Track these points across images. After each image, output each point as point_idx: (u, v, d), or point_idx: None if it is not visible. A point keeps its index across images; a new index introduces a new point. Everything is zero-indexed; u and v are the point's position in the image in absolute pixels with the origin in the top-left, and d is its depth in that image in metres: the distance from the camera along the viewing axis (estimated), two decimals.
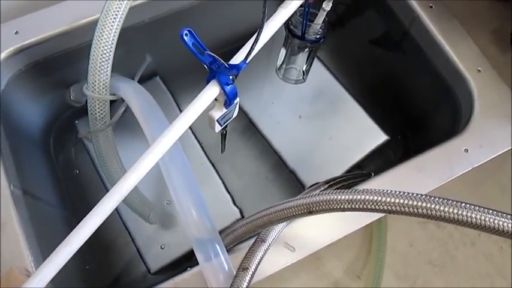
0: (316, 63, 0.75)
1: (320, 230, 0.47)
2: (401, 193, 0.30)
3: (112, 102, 0.49)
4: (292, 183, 0.70)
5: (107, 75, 0.45)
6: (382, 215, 0.50)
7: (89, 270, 0.64)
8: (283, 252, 0.46)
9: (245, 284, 0.39)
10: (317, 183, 0.53)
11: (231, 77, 0.39)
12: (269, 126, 0.72)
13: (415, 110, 0.71)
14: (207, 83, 0.39)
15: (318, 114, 0.73)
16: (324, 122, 0.73)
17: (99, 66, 0.44)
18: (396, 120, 0.74)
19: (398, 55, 0.70)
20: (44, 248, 0.48)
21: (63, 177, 0.69)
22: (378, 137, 0.70)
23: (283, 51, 0.63)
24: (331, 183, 0.52)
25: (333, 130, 0.72)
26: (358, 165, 0.69)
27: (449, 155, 0.52)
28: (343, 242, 0.46)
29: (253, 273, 0.40)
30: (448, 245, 0.79)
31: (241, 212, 0.66)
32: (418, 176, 0.51)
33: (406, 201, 0.29)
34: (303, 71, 0.66)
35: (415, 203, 0.29)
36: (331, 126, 0.72)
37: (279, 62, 0.65)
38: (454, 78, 0.59)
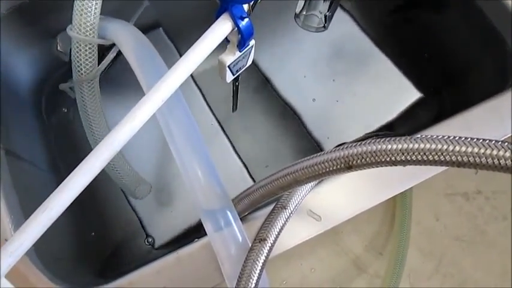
0: (339, 12, 0.69)
1: (347, 197, 0.41)
2: (476, 140, 0.23)
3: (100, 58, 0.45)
4: (311, 147, 0.64)
5: (95, 15, 0.41)
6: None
7: (91, 245, 0.60)
8: (305, 221, 0.40)
9: (262, 257, 0.33)
10: (344, 143, 0.46)
11: (246, 9, 0.33)
12: (286, 83, 0.67)
13: (454, 64, 0.64)
14: (217, 18, 0.33)
15: (342, 69, 0.68)
16: (348, 77, 0.67)
17: (87, 4, 0.40)
18: (431, 76, 0.68)
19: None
20: (28, 217, 0.43)
21: (56, 140, 0.64)
22: (410, 94, 0.64)
23: None
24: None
25: (359, 87, 0.66)
26: (387, 126, 0.64)
27: (500, 111, 0.45)
28: (363, 215, 0.41)
29: (272, 245, 0.35)
30: (477, 220, 0.76)
31: (252, 178, 0.61)
32: (464, 136, 0.44)
33: (483, 151, 0.22)
34: (325, 18, 0.59)
35: (495, 152, 0.22)
36: (357, 83, 0.66)
37: (298, 8, 0.59)
38: (503, 22, 0.51)
